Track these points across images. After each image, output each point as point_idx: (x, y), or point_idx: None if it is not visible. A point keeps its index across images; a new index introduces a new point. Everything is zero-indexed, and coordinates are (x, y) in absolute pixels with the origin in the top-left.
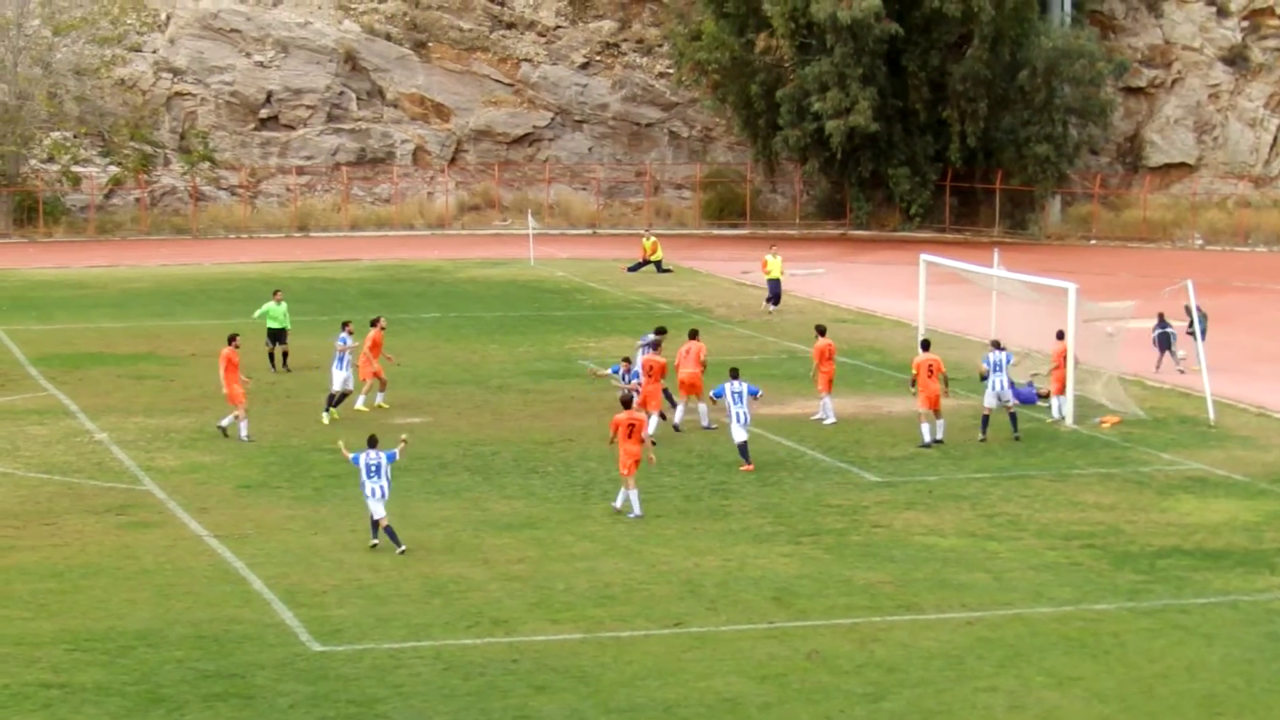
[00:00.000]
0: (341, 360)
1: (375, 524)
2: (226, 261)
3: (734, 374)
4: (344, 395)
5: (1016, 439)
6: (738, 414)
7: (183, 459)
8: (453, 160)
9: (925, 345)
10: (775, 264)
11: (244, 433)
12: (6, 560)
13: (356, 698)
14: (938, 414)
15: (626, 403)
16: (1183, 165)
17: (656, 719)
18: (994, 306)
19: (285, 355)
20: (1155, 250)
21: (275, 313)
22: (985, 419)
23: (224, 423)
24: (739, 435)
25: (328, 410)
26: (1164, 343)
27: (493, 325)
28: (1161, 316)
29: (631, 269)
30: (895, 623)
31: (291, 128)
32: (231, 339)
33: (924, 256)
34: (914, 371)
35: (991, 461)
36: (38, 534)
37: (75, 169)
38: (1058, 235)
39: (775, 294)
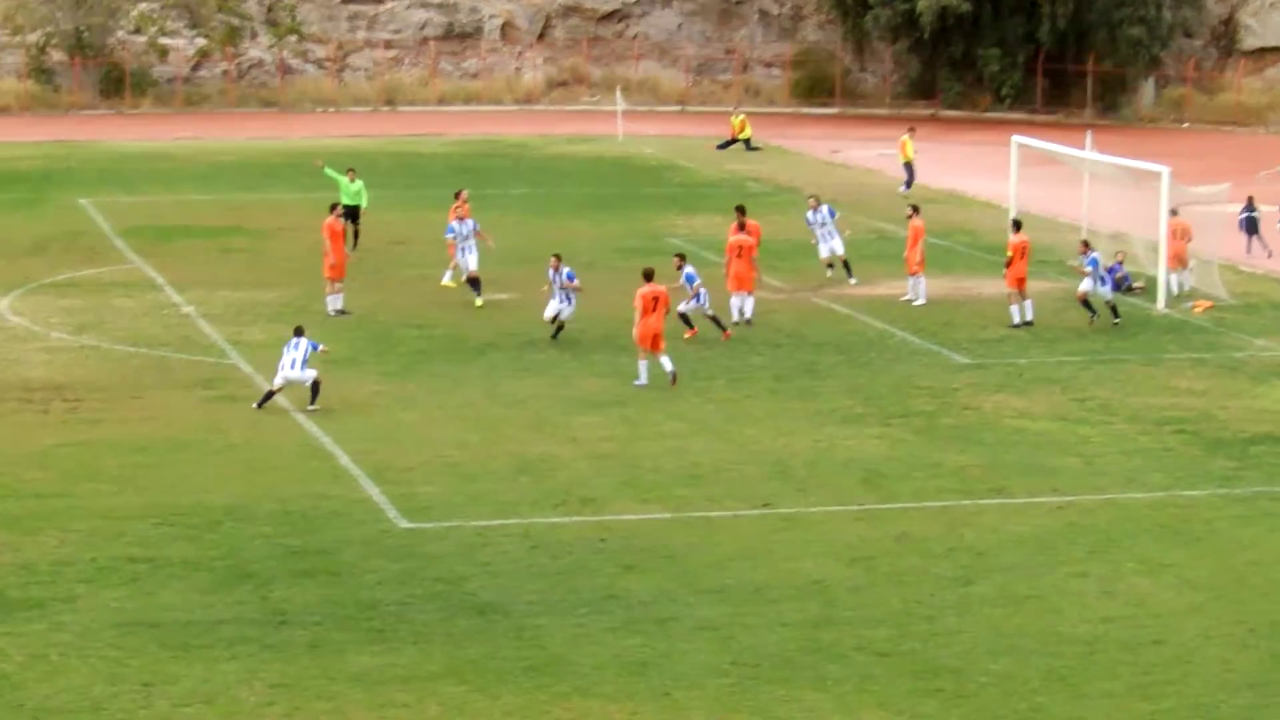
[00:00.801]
0: (466, 249)
1: (271, 394)
2: (314, 135)
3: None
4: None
5: (1116, 323)
6: (701, 294)
7: (270, 333)
8: (541, 36)
9: (1017, 226)
10: (910, 146)
11: (334, 306)
12: (94, 434)
13: (444, 575)
14: (1024, 295)
15: (649, 276)
16: (1277, 49)
17: (745, 600)
18: (1086, 189)
19: (356, 234)
20: (1249, 135)
21: (348, 189)
22: (1087, 302)
23: (338, 305)
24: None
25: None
26: (1250, 227)
27: (581, 202)
28: (1250, 201)
29: (720, 147)
30: (985, 506)
31: (380, 1)
32: (333, 207)
33: (1016, 138)
34: (1009, 253)
35: (1083, 345)
36: (125, 408)
37: (162, 41)
38: (1150, 118)
39: (910, 176)
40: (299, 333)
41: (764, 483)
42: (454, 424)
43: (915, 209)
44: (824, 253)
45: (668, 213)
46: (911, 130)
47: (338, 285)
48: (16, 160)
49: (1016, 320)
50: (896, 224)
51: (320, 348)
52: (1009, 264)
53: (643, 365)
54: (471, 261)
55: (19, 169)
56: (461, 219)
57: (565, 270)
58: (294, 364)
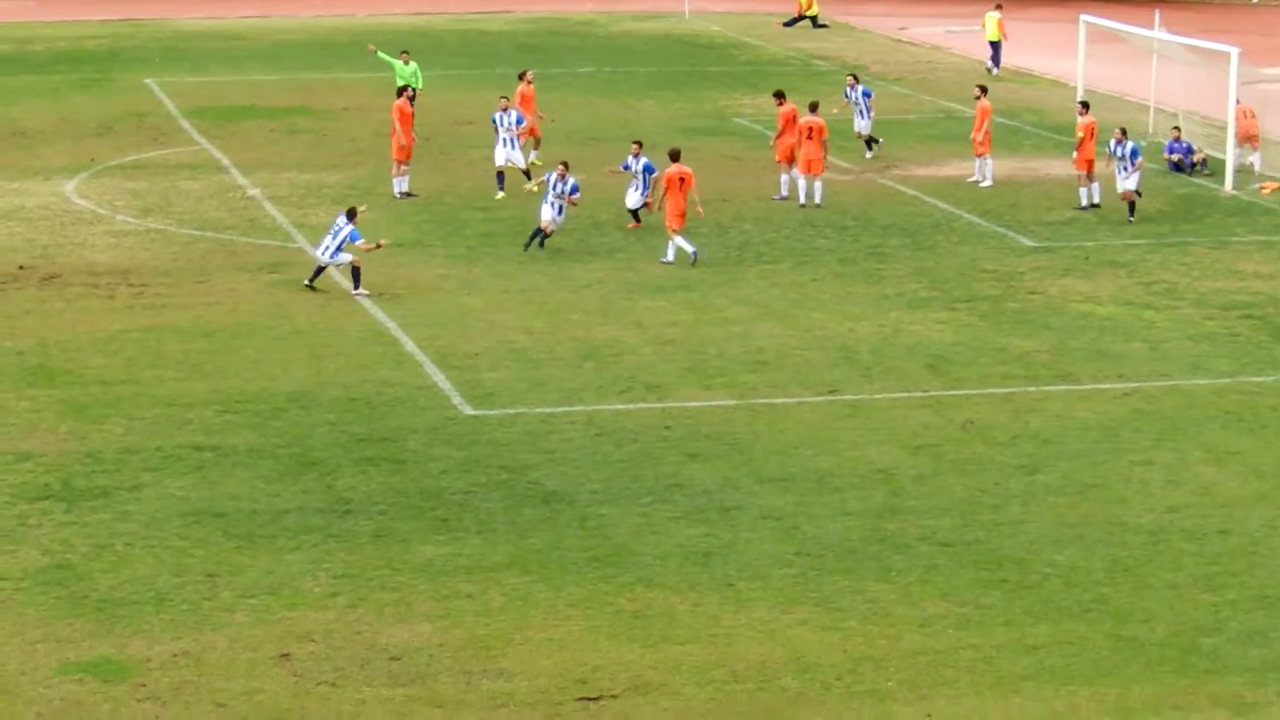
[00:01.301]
0: (507, 140)
1: (319, 271)
2: (379, 13)
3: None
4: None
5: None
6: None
7: (335, 215)
8: None
9: (1085, 107)
10: (997, 24)
11: (400, 188)
12: (159, 319)
13: (509, 464)
14: (1092, 177)
15: (675, 156)
16: None
17: (810, 489)
18: (1154, 69)
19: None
20: None
21: (403, 72)
22: (1131, 204)
23: (404, 188)
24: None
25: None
26: None
27: (647, 81)
28: None
29: (787, 24)
30: (1050, 393)
31: None
32: (401, 91)
33: (1084, 17)
34: (1079, 134)
35: (1149, 228)
36: (190, 292)
37: None
38: None
39: (994, 57)
40: (350, 215)
41: (829, 369)
42: (519, 309)
43: (983, 89)
44: (859, 127)
45: (734, 91)
46: (999, 6)
47: (404, 167)
48: (83, 39)
49: (1084, 202)
50: (964, 104)
51: (364, 243)
52: (1079, 146)
53: (670, 246)
54: (516, 156)
55: (85, 48)
56: (505, 110)
57: (571, 181)
58: (326, 250)
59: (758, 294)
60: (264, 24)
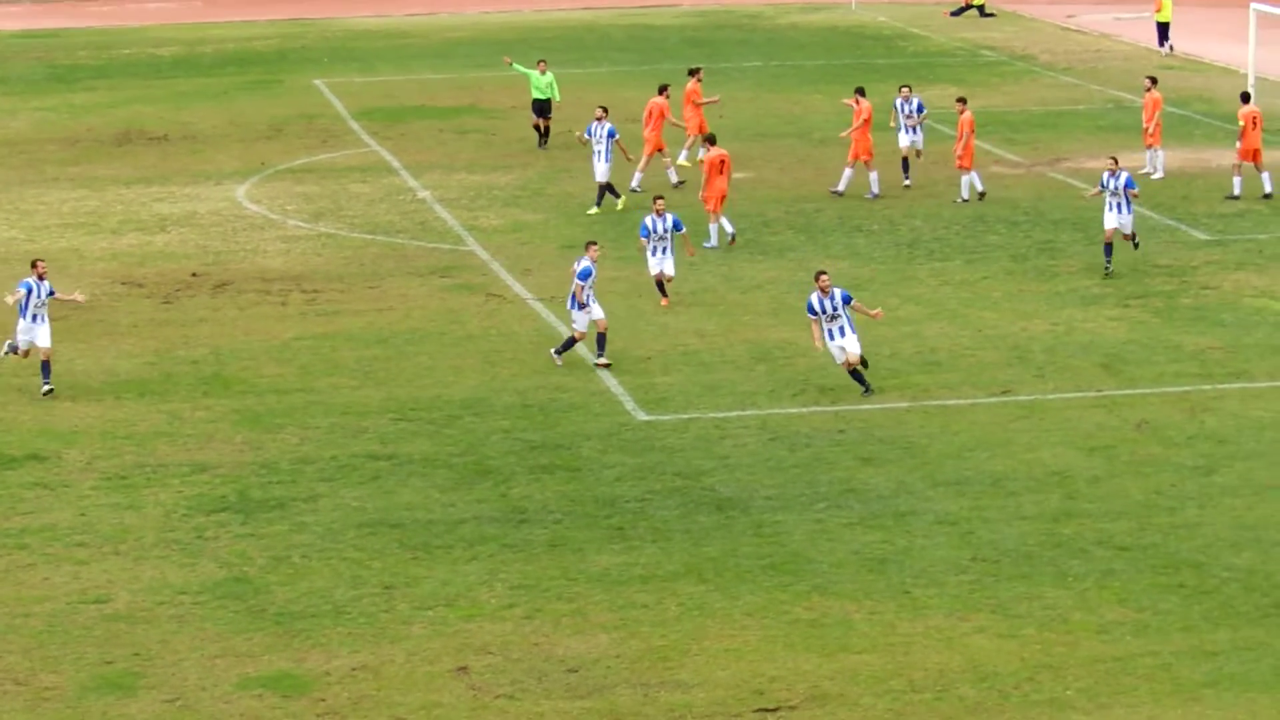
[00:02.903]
0: (600, 154)
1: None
2: (547, 9)
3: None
4: (606, 186)
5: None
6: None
7: (506, 218)
8: None
9: (1245, 98)
10: (1167, 3)
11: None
12: (333, 326)
13: (683, 470)
14: (1260, 167)
15: (711, 140)
16: None
17: (984, 492)
18: None
19: (547, 129)
20: None
21: (539, 82)
22: (1107, 246)
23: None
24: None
25: (599, 202)
26: None
27: (814, 74)
28: None
29: (954, 13)
30: (1226, 391)
31: None
32: (663, 89)
33: (1255, 5)
34: (1240, 124)
35: None
36: (363, 297)
37: None
38: None
39: (1162, 36)
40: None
41: (1002, 369)
42: (690, 311)
43: (1153, 80)
44: (903, 143)
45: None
46: None
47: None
48: (251, 40)
49: (1236, 191)
50: (1133, 93)
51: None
52: (1241, 136)
53: (713, 228)
54: (602, 170)
55: (254, 49)
56: (600, 120)
57: (670, 217)
58: (573, 302)
59: (929, 292)
60: (432, 21)
